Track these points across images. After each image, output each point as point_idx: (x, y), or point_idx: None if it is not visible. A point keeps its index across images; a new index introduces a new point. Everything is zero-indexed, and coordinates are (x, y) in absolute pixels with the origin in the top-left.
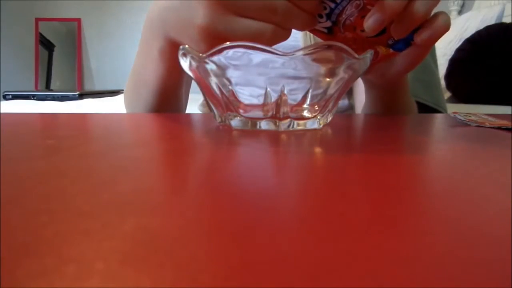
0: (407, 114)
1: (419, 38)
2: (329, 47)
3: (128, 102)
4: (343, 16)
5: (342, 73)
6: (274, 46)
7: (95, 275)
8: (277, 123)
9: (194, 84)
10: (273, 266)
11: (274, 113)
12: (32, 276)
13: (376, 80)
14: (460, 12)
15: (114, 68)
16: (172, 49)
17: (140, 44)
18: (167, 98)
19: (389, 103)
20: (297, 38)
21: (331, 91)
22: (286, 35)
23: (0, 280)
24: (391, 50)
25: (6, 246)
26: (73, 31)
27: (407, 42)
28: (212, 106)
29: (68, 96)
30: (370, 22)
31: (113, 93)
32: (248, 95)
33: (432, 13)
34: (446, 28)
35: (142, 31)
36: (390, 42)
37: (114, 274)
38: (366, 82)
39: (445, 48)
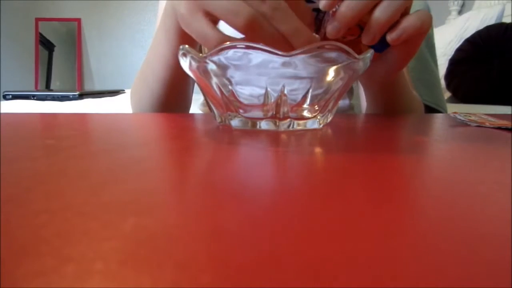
0: (411, 110)
1: (389, 37)
2: (329, 47)
3: (134, 94)
4: (322, 30)
5: (342, 73)
6: None
7: (95, 275)
8: (277, 123)
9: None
10: (273, 266)
11: (274, 113)
12: (32, 276)
13: (368, 80)
14: (460, 12)
15: (114, 68)
16: (181, 29)
17: (155, 33)
18: (173, 88)
19: (388, 101)
20: None
21: (331, 91)
22: (268, 33)
23: (0, 280)
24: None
25: (6, 246)
26: (73, 31)
27: (384, 43)
28: (212, 106)
29: (68, 96)
30: (328, 29)
31: (113, 93)
32: (248, 95)
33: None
34: (418, 26)
35: (160, 19)
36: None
37: (114, 274)
38: (362, 83)
39: (445, 48)
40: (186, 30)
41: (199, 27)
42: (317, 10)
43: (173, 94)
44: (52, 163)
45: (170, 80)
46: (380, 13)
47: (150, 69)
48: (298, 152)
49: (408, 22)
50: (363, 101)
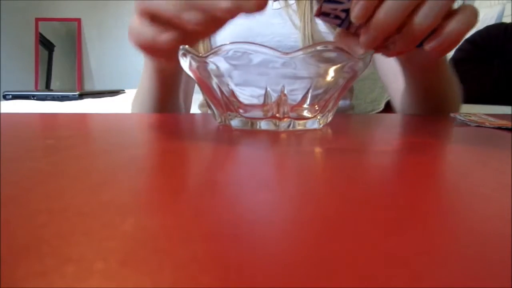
0: (451, 93)
1: (428, 46)
2: (329, 47)
3: (133, 110)
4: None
5: (342, 73)
6: (274, 46)
7: (95, 275)
8: (277, 123)
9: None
10: (273, 266)
11: (274, 113)
12: (32, 276)
13: (406, 63)
14: None
15: (114, 68)
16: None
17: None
18: (167, 109)
19: (428, 82)
20: (296, 38)
21: (331, 91)
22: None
23: (0, 280)
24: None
25: (6, 246)
26: (73, 31)
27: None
28: (212, 106)
29: (68, 96)
30: (363, 40)
31: (113, 93)
32: (248, 95)
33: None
34: (461, 31)
35: None
36: None
37: (114, 274)
38: (400, 63)
39: None
40: (136, 45)
41: (147, 32)
42: (345, 10)
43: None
44: (52, 163)
45: (160, 108)
46: (421, 20)
47: (141, 96)
48: (298, 152)
49: (450, 28)
50: (391, 89)
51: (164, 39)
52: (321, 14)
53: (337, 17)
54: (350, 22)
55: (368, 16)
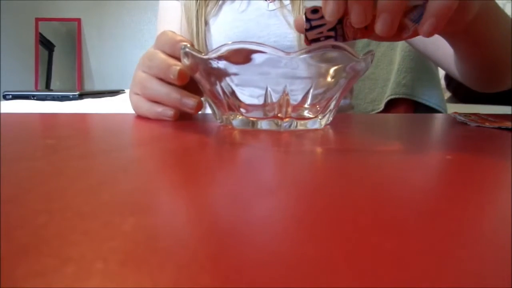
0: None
1: (422, 31)
2: (330, 47)
3: None
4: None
5: (343, 73)
6: (274, 45)
7: (95, 275)
8: (279, 123)
9: None
10: (273, 266)
11: (275, 113)
12: (32, 276)
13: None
14: None
15: (114, 68)
16: None
17: None
18: None
19: (481, 41)
20: (292, 38)
21: (332, 91)
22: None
23: (0, 280)
24: (417, 25)
25: (6, 246)
26: (73, 31)
27: (419, 11)
28: (214, 106)
29: (68, 96)
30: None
31: (113, 93)
32: (249, 95)
33: None
34: (446, 10)
35: None
36: (412, 17)
37: (114, 274)
38: (441, 35)
39: None
40: (136, 113)
41: (143, 107)
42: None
43: None
44: (52, 163)
45: None
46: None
47: None
48: (300, 152)
49: (434, 7)
50: (441, 55)
51: (161, 111)
52: (309, 42)
53: (328, 36)
54: (343, 37)
55: (342, 11)
